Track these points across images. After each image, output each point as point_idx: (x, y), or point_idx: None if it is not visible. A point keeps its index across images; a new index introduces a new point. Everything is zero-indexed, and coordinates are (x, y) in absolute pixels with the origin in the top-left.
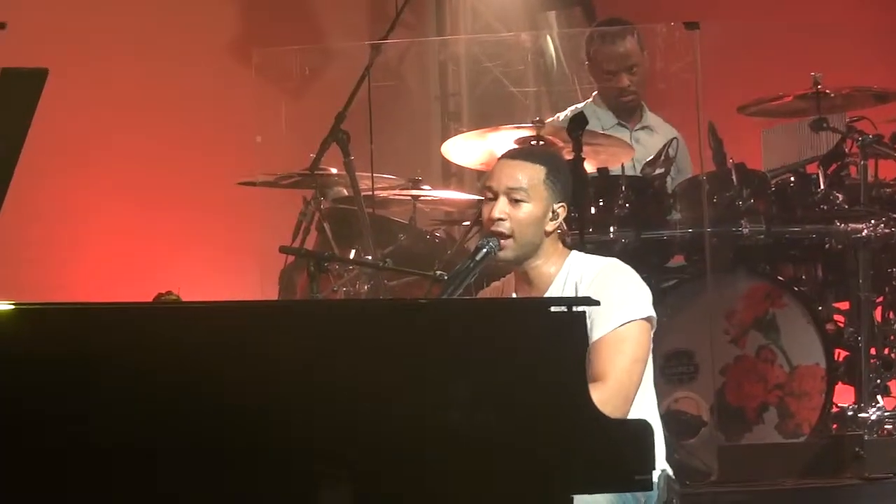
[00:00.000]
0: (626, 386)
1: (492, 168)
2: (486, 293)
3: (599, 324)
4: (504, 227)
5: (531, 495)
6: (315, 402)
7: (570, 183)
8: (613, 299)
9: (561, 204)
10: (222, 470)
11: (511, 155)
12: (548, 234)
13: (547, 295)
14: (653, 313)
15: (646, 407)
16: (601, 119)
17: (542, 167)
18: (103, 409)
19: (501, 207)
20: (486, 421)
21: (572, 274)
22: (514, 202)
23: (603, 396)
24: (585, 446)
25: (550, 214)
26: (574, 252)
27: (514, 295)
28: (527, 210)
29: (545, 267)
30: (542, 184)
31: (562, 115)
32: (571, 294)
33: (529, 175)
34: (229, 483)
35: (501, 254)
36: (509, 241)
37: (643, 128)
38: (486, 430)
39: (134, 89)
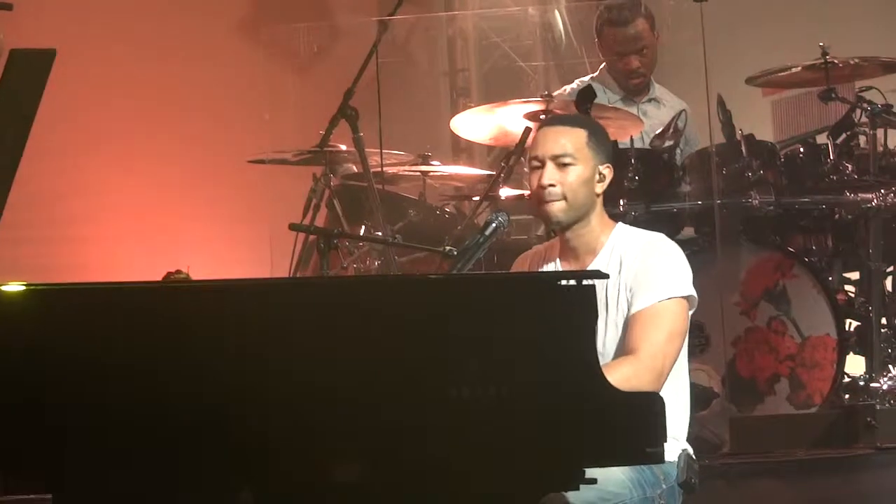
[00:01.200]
0: (659, 361)
1: (534, 139)
2: (525, 257)
3: (639, 297)
4: (555, 193)
5: (543, 469)
6: (331, 379)
7: (611, 145)
8: (656, 274)
9: (606, 165)
10: (243, 448)
11: (550, 122)
12: (598, 195)
13: (591, 266)
14: (693, 293)
15: (677, 385)
16: (608, 93)
17: (584, 130)
18: (117, 389)
19: (550, 174)
20: (496, 395)
21: (618, 246)
22: (562, 167)
23: (634, 369)
24: (594, 418)
25: (598, 176)
26: (620, 224)
27: (556, 262)
28: (576, 172)
29: (591, 235)
30: (585, 146)
31: (568, 88)
32: (616, 267)
33: (573, 139)
34: (252, 461)
35: (557, 213)
36: (562, 203)
37: (650, 100)
38: (494, 404)
39: (144, 68)
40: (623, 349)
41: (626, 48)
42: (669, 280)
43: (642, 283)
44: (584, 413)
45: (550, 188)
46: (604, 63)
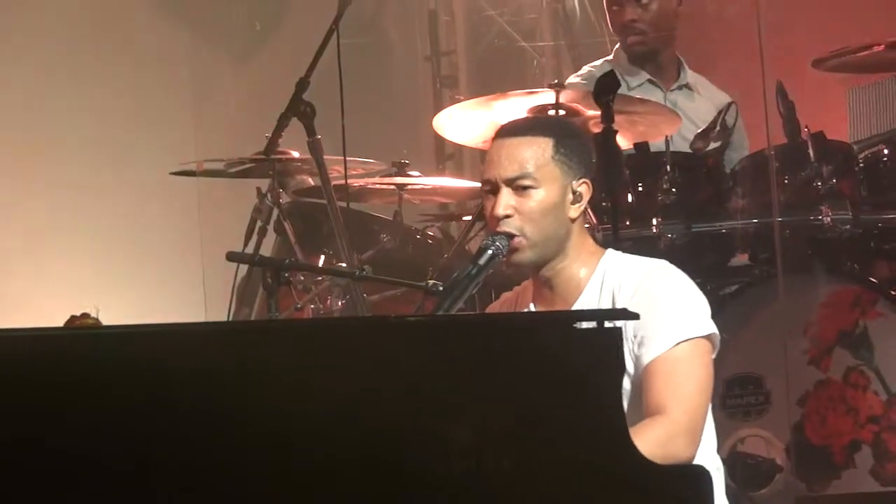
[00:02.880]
0: (695, 420)
1: (488, 153)
2: (494, 308)
3: (651, 342)
4: (511, 226)
5: None
6: (276, 453)
7: (591, 151)
8: (665, 312)
9: (582, 181)
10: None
11: (504, 132)
12: (573, 220)
13: (577, 306)
14: (715, 330)
15: (707, 443)
16: (626, 76)
17: (548, 139)
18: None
19: (505, 201)
20: (495, 469)
21: (609, 279)
22: (520, 191)
23: (667, 433)
24: (623, 499)
25: (570, 196)
26: (610, 251)
27: (532, 307)
28: (537, 198)
29: (572, 269)
30: (550, 161)
31: (577, 76)
32: (608, 305)
33: (532, 153)
34: None
35: (516, 257)
36: (522, 240)
37: (681, 87)
38: (490, 484)
39: (35, 55)
40: (644, 409)
41: None
42: (686, 316)
43: (650, 326)
44: (609, 496)
45: (506, 219)
46: (619, 42)
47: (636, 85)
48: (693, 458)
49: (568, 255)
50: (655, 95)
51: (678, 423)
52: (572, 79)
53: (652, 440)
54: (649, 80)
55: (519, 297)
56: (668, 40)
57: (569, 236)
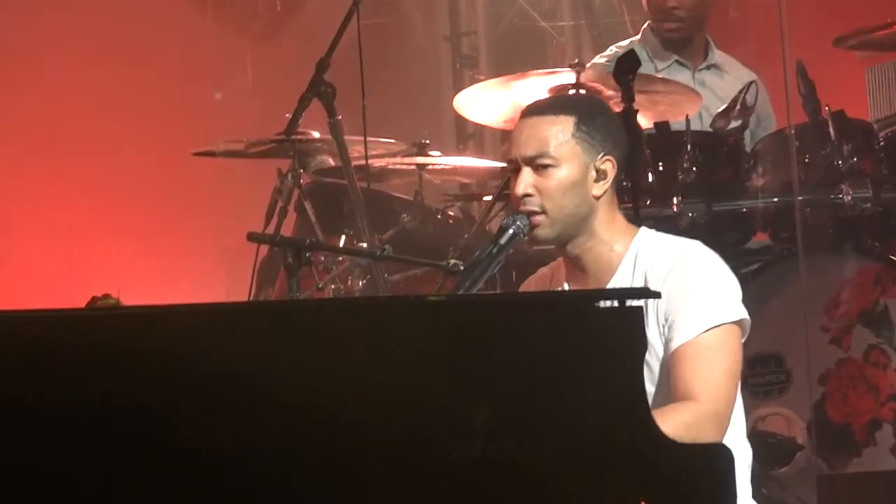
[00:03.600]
0: (723, 406)
1: (512, 133)
2: (530, 284)
3: (681, 327)
4: (533, 204)
5: None
6: (299, 435)
7: (617, 129)
8: (699, 296)
9: (606, 158)
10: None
11: (527, 112)
12: (597, 198)
13: (610, 286)
14: (746, 316)
15: (735, 426)
16: (654, 59)
17: (569, 117)
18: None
19: (525, 180)
20: (516, 449)
21: (641, 260)
22: (540, 170)
23: (695, 417)
24: (644, 479)
25: (594, 174)
26: (643, 229)
27: (564, 286)
28: (557, 177)
29: (602, 248)
30: (571, 139)
31: (603, 57)
32: (641, 285)
33: (553, 131)
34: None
35: (536, 232)
36: (542, 218)
37: (709, 67)
38: (513, 462)
39: (60, 38)
40: (671, 394)
41: None
42: (718, 301)
43: (682, 309)
44: (631, 473)
45: (527, 198)
46: (647, 22)
47: (664, 66)
48: (721, 441)
49: (596, 234)
50: (684, 75)
51: (706, 408)
52: (598, 59)
53: (679, 423)
54: (677, 61)
55: (554, 274)
56: (701, 24)
57: (593, 214)
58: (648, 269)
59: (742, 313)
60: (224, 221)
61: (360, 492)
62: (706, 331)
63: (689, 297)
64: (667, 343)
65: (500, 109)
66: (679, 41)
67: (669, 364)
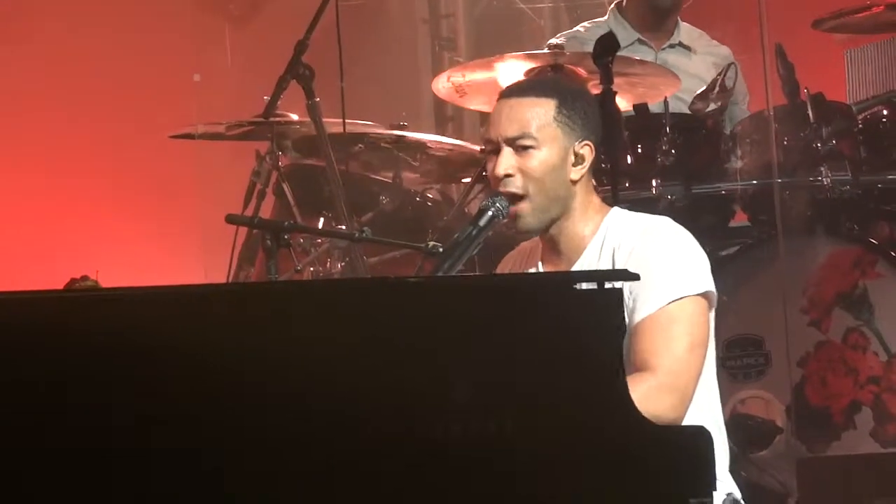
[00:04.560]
0: (683, 379)
1: (491, 114)
2: (510, 258)
3: (644, 300)
4: (514, 185)
5: None
6: (278, 414)
7: (594, 114)
8: (661, 270)
9: (584, 142)
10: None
11: (507, 93)
12: (574, 182)
13: (577, 266)
14: (712, 287)
15: (706, 410)
16: (618, 35)
17: (550, 99)
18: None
19: (506, 161)
20: (497, 428)
21: (610, 238)
22: (521, 151)
23: (651, 390)
24: (624, 460)
25: (572, 158)
26: (615, 209)
27: (539, 265)
28: (539, 158)
29: (576, 227)
30: (552, 122)
31: (560, 37)
32: (608, 264)
33: (534, 113)
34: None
35: (520, 223)
36: (524, 205)
37: (674, 46)
38: (493, 443)
39: (34, 18)
40: (631, 366)
41: None
42: (680, 274)
43: (645, 283)
44: (609, 454)
45: (507, 178)
46: (614, 2)
47: (626, 46)
48: (681, 418)
49: (571, 217)
50: (646, 55)
51: (662, 381)
52: (556, 39)
53: (634, 397)
54: (639, 40)
55: (532, 251)
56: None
57: (572, 197)
58: (616, 247)
59: (707, 285)
60: (202, 203)
61: (339, 475)
62: (669, 303)
63: (651, 272)
64: (630, 315)
65: (479, 92)
66: (665, 11)
67: (632, 336)
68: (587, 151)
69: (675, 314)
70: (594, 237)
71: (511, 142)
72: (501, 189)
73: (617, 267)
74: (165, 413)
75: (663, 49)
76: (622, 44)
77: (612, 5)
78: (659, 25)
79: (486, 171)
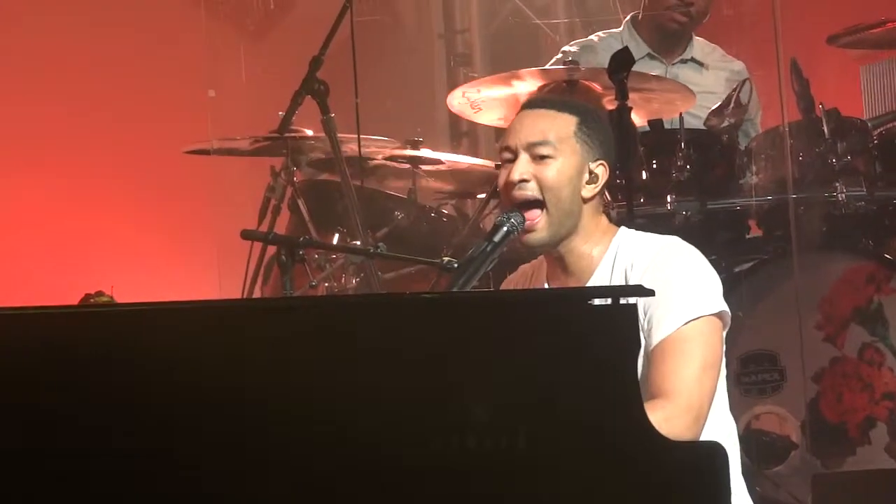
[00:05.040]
0: (697, 400)
1: (509, 124)
2: (511, 281)
3: (659, 323)
4: (528, 190)
5: None
6: (293, 430)
7: (610, 137)
8: (675, 290)
9: (599, 162)
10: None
11: (531, 104)
12: (585, 201)
13: (589, 285)
14: (725, 307)
15: (719, 427)
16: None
17: (572, 116)
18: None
19: (522, 167)
20: (511, 444)
21: (621, 257)
22: (539, 159)
23: (667, 415)
24: (640, 479)
25: (587, 176)
26: (623, 229)
27: (546, 286)
28: (556, 168)
29: (585, 248)
30: (572, 136)
31: (575, 45)
32: (621, 283)
33: (556, 126)
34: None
35: (532, 236)
36: (541, 219)
37: (686, 61)
38: (509, 457)
39: (51, 36)
40: (648, 391)
41: None
42: (693, 295)
43: (660, 305)
44: (624, 472)
45: (522, 183)
46: (630, 14)
47: (637, 58)
48: (697, 437)
49: (580, 234)
50: (656, 70)
51: (679, 405)
52: (569, 46)
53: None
54: (649, 55)
55: (535, 272)
56: (702, 21)
57: (581, 216)
58: (628, 267)
59: (721, 305)
60: (218, 219)
61: (354, 488)
62: (685, 323)
63: (666, 293)
64: (647, 339)
65: (494, 107)
66: (674, 34)
67: (649, 360)
68: (602, 172)
69: (690, 335)
70: (605, 256)
71: (530, 148)
72: (516, 192)
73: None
74: (182, 426)
75: (674, 64)
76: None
77: (628, 18)
78: (670, 42)
79: (499, 182)
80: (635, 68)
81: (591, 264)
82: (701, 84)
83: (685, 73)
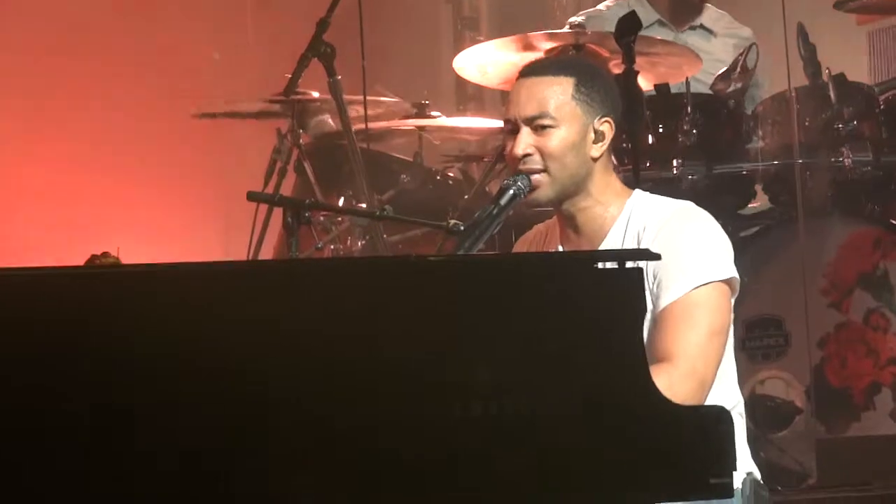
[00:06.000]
0: (702, 366)
1: (510, 93)
2: (525, 240)
3: (667, 287)
4: (534, 163)
5: None
6: (299, 391)
7: (613, 91)
8: (686, 255)
9: (604, 119)
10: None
11: (525, 72)
12: (595, 159)
13: (602, 247)
14: (735, 274)
15: (726, 392)
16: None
17: (569, 77)
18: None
19: (525, 140)
20: (517, 407)
21: (634, 220)
22: (540, 130)
23: (671, 379)
24: (645, 441)
25: (592, 136)
26: (637, 191)
27: (559, 248)
28: (558, 137)
29: (598, 209)
30: (571, 100)
31: (580, 15)
32: (633, 246)
33: (552, 92)
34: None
35: (536, 194)
36: (543, 177)
37: (695, 28)
38: (513, 423)
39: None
40: (653, 355)
41: None
42: (703, 260)
43: (670, 269)
44: (630, 434)
45: (527, 157)
46: None
47: (645, 26)
48: (702, 403)
49: (591, 195)
50: (665, 37)
51: (682, 369)
52: (576, 18)
53: None
54: (659, 21)
55: (549, 232)
56: None
57: (591, 176)
58: (641, 230)
59: (731, 272)
60: (224, 180)
61: (359, 452)
62: (694, 289)
63: (677, 256)
64: (654, 302)
65: (501, 70)
66: (688, 3)
67: (655, 324)
68: (607, 128)
69: (698, 300)
70: (618, 219)
71: (529, 121)
72: (522, 167)
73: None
74: (188, 389)
75: (684, 31)
76: (645, 23)
77: None
78: (682, 10)
79: (505, 150)
80: (644, 34)
81: (603, 225)
82: (709, 51)
83: (694, 40)
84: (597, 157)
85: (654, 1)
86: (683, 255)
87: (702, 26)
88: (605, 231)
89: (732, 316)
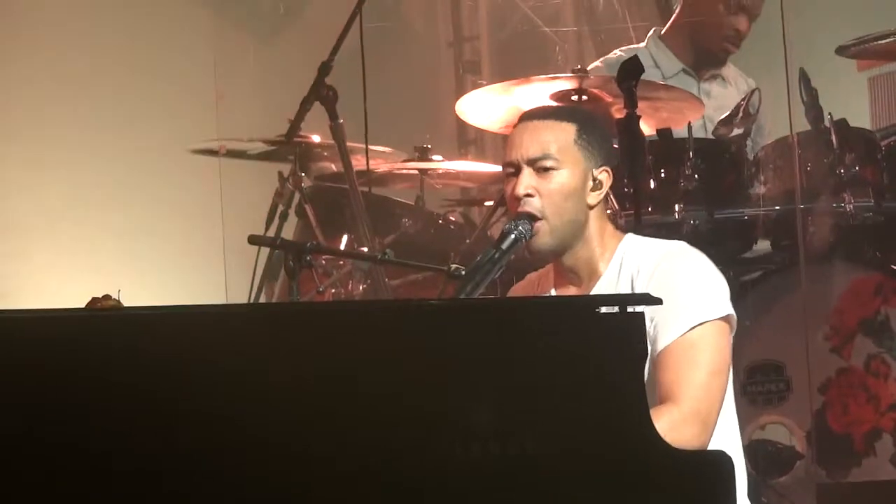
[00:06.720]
0: (705, 406)
1: (509, 138)
2: (517, 289)
3: (665, 328)
4: (533, 206)
5: None
6: (301, 436)
7: (612, 141)
8: (681, 295)
9: (602, 168)
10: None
11: (529, 116)
12: (591, 207)
13: (595, 292)
14: (732, 311)
15: (725, 434)
16: (661, 65)
17: (571, 124)
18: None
19: (526, 181)
20: (518, 451)
21: (627, 264)
22: (542, 172)
23: (675, 421)
24: (646, 484)
25: (591, 183)
26: (629, 235)
27: (552, 292)
28: (559, 180)
29: (591, 253)
30: (573, 145)
31: (600, 61)
32: (627, 290)
33: (555, 136)
34: None
35: (536, 242)
36: (542, 224)
37: (714, 77)
38: (514, 464)
39: (58, 36)
40: (653, 396)
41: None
42: (699, 299)
43: (666, 309)
44: (630, 479)
45: (527, 198)
46: (653, 29)
47: (671, 75)
48: (705, 444)
49: (586, 242)
50: (689, 84)
51: (685, 410)
52: (596, 63)
53: (658, 429)
54: (684, 70)
55: (541, 280)
56: None
57: (587, 223)
58: (634, 273)
59: (727, 309)
60: (225, 224)
61: (361, 494)
62: (692, 328)
63: (672, 297)
64: (652, 343)
65: (501, 114)
66: (722, 59)
67: (655, 365)
68: (605, 178)
69: (697, 340)
70: (611, 263)
71: (533, 162)
72: (520, 209)
73: (636, 293)
74: (188, 433)
75: (705, 80)
76: (667, 73)
77: (652, 33)
78: (710, 62)
79: (505, 193)
80: (671, 83)
81: (596, 271)
82: (725, 98)
83: (715, 89)
84: (593, 204)
85: (676, 49)
86: (679, 294)
87: (720, 76)
88: (598, 275)
89: (731, 354)
